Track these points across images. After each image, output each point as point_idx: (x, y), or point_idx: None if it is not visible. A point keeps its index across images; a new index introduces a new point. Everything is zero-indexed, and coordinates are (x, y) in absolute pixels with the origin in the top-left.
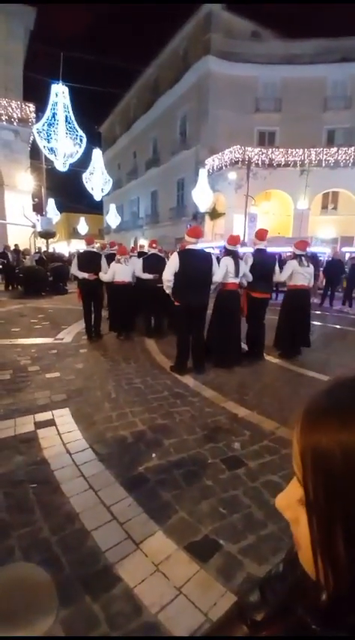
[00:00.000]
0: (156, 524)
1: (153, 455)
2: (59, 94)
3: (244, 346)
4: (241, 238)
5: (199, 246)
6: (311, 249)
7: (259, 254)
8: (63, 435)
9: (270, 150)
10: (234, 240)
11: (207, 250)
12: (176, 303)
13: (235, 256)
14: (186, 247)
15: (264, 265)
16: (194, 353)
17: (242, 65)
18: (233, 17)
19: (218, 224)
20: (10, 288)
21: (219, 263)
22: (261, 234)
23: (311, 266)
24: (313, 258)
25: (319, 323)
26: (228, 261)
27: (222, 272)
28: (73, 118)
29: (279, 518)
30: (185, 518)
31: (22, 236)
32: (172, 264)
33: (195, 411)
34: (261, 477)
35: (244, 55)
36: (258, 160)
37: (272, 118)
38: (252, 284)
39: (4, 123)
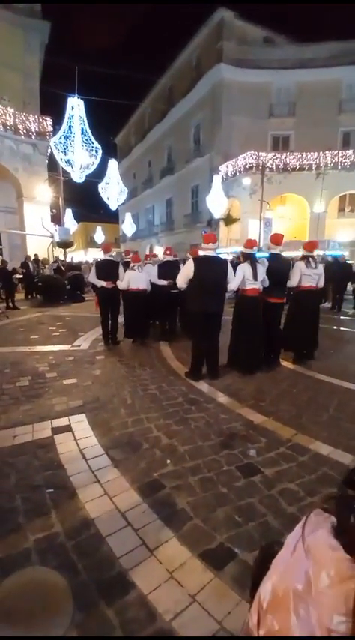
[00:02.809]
0: (171, 530)
1: (168, 461)
2: (75, 107)
3: None
4: (257, 242)
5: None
6: (329, 252)
7: (274, 259)
8: (79, 441)
9: (285, 154)
10: (251, 243)
11: (222, 257)
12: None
13: (253, 260)
14: (201, 253)
15: (279, 270)
16: (208, 359)
17: (255, 71)
18: (245, 24)
19: (233, 230)
20: (30, 296)
21: (234, 270)
22: (276, 239)
23: (320, 267)
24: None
25: (335, 327)
26: (245, 267)
27: (239, 279)
28: (88, 130)
29: None
30: (200, 526)
31: (41, 246)
32: (186, 271)
33: (210, 417)
34: (278, 485)
35: (257, 62)
36: (272, 164)
37: (286, 123)
38: (268, 289)
39: (23, 137)
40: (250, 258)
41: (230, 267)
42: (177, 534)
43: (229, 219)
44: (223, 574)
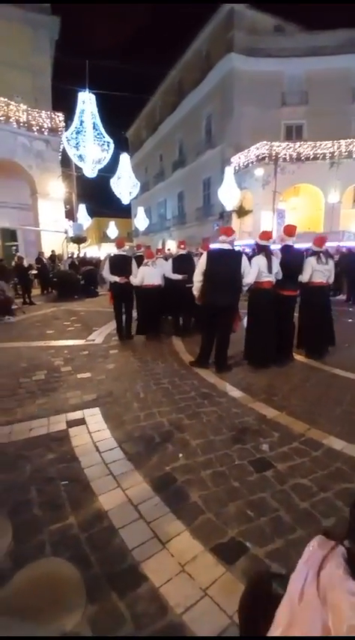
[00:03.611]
0: (183, 524)
1: (180, 455)
2: (86, 101)
3: None
4: (272, 234)
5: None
6: (343, 243)
7: (287, 250)
8: (93, 434)
9: (298, 144)
10: (265, 235)
11: (237, 249)
12: (198, 302)
13: (267, 253)
14: (211, 246)
15: (292, 262)
16: (217, 352)
17: (266, 60)
18: (255, 13)
19: (245, 222)
20: (46, 292)
21: (249, 262)
22: (290, 230)
23: (331, 262)
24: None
25: (350, 320)
26: (260, 260)
27: (255, 272)
28: (99, 124)
29: (309, 523)
30: (211, 520)
31: (55, 242)
32: (201, 265)
33: (222, 411)
34: (290, 480)
35: (268, 50)
36: (285, 154)
37: (298, 112)
38: (281, 281)
39: (36, 133)
40: (265, 250)
41: (245, 261)
42: (189, 528)
43: (241, 212)
44: (234, 569)
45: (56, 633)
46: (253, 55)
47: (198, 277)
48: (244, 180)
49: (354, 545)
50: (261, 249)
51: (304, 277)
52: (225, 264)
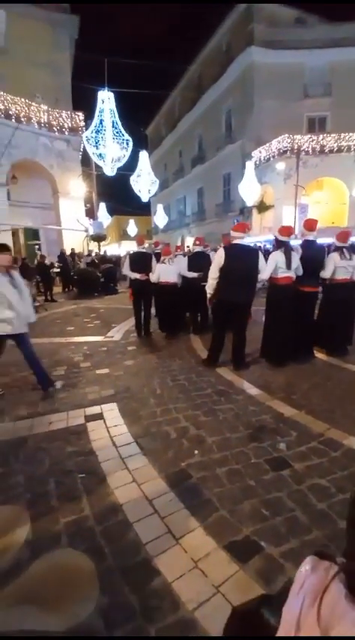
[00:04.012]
0: (197, 520)
1: (196, 452)
2: (105, 100)
3: None
4: (292, 229)
5: (247, 240)
6: None
7: (308, 246)
8: (110, 429)
9: (321, 136)
10: (286, 230)
11: (253, 245)
12: (209, 303)
13: (287, 248)
14: (233, 242)
15: (312, 258)
16: (235, 350)
17: (287, 52)
18: (275, 6)
19: (266, 217)
20: (67, 289)
21: (266, 258)
22: (310, 225)
23: None
24: None
25: None
26: (277, 256)
27: (271, 268)
28: (119, 122)
29: (325, 524)
30: (226, 517)
31: (76, 240)
32: (218, 260)
33: (238, 409)
34: (308, 480)
35: (289, 43)
36: (307, 147)
37: (321, 104)
38: (301, 278)
39: (57, 133)
40: (284, 246)
41: (261, 257)
42: (203, 524)
43: (262, 207)
44: (248, 567)
45: (69, 623)
46: (273, 48)
47: (214, 274)
48: (265, 174)
49: (352, 564)
50: (280, 245)
51: (326, 273)
52: (243, 261)
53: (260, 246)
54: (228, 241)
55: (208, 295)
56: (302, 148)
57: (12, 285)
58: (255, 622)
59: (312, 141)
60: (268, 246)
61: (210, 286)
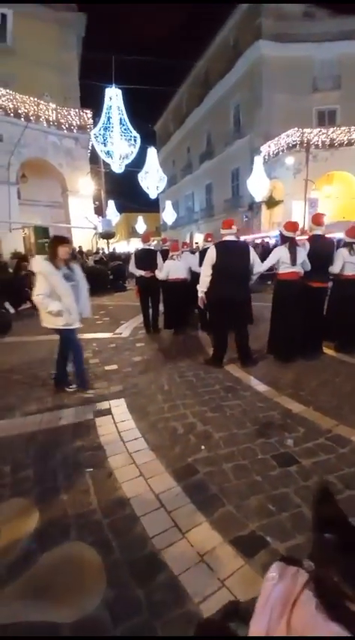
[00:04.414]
0: (203, 515)
1: (203, 447)
2: (113, 97)
3: None
4: (300, 225)
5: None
6: None
7: (316, 240)
8: (118, 424)
9: (331, 129)
10: (291, 226)
11: (243, 241)
12: (200, 303)
13: (292, 244)
14: (223, 239)
15: (321, 253)
16: (240, 347)
17: (296, 45)
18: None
19: (275, 213)
20: None
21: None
22: (317, 219)
23: None
24: None
25: None
26: (281, 251)
27: (270, 262)
28: (126, 119)
29: None
30: (232, 512)
31: (85, 238)
32: (209, 258)
33: (246, 405)
34: (315, 477)
35: (297, 36)
36: (317, 141)
37: (331, 97)
38: (309, 273)
39: (65, 132)
40: (289, 241)
41: (253, 252)
42: (209, 519)
43: (271, 202)
44: (253, 562)
45: (77, 615)
46: (282, 41)
47: (206, 271)
48: (274, 169)
49: (320, 570)
50: (285, 240)
51: (335, 269)
52: (235, 257)
53: (261, 242)
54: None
55: (200, 294)
56: (311, 142)
57: (66, 279)
58: (221, 634)
59: (322, 134)
60: (273, 241)
61: (203, 283)
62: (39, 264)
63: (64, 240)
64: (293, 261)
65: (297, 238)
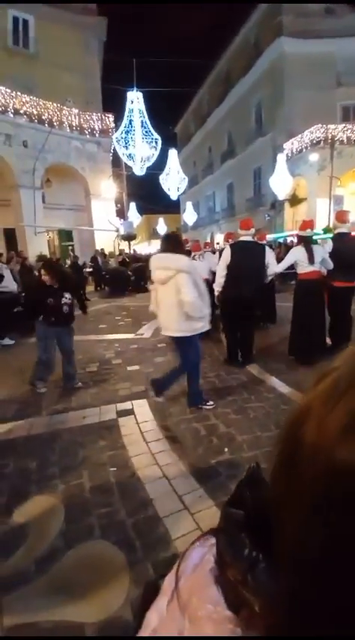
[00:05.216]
0: None
1: (226, 449)
2: (134, 100)
3: (328, 340)
4: (315, 224)
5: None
6: None
7: (340, 238)
8: (141, 425)
9: None
10: (306, 225)
11: (261, 243)
12: (216, 301)
13: (307, 243)
14: (239, 239)
15: (344, 251)
16: (241, 347)
17: (318, 41)
18: None
19: (299, 211)
20: (99, 288)
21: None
22: (341, 216)
23: None
24: None
25: None
26: (297, 251)
27: (287, 263)
28: (148, 122)
29: None
30: None
31: (107, 240)
32: (225, 257)
33: (270, 407)
34: None
35: (320, 32)
36: (342, 137)
37: None
38: (333, 272)
39: (88, 136)
40: (305, 241)
41: (269, 252)
42: None
43: (295, 200)
44: None
45: (103, 614)
46: (304, 37)
47: (221, 272)
48: (297, 166)
49: (222, 551)
50: (301, 240)
51: None
52: (248, 257)
53: (281, 242)
54: (263, 237)
55: (216, 293)
56: (336, 138)
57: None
58: (155, 590)
59: (347, 130)
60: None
61: (218, 283)
62: (189, 263)
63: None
64: (311, 260)
65: (319, 237)
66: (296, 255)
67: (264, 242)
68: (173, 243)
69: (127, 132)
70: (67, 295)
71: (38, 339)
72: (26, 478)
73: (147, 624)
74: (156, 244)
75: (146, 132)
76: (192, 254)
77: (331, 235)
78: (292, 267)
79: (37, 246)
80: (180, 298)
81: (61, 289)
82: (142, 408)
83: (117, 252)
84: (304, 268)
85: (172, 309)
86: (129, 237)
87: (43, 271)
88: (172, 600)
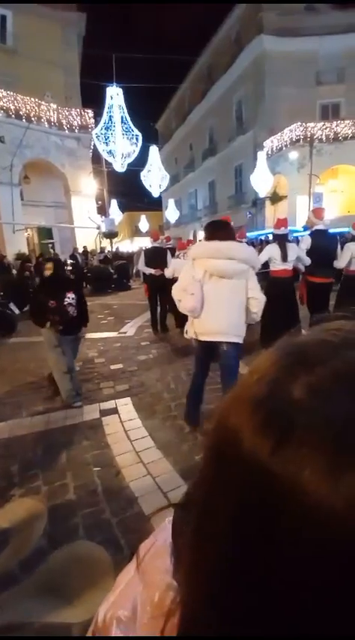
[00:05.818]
0: None
1: None
2: (114, 96)
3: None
4: (288, 222)
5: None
6: None
7: (318, 235)
8: (125, 423)
9: (335, 123)
10: (280, 223)
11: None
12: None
13: (282, 241)
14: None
15: (323, 248)
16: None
17: (299, 39)
18: None
19: (280, 208)
20: None
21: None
22: (318, 213)
23: None
24: None
25: None
26: (271, 249)
27: (261, 260)
28: (128, 118)
29: None
30: None
31: (88, 238)
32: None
33: None
34: None
35: (300, 30)
36: (321, 135)
37: (335, 90)
38: (311, 268)
39: (67, 132)
40: (279, 239)
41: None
42: None
43: (276, 198)
44: None
45: (89, 614)
46: (284, 35)
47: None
48: (278, 164)
49: (182, 506)
50: (275, 238)
51: (340, 264)
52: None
53: (262, 239)
54: (243, 235)
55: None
56: (315, 136)
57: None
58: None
59: (325, 128)
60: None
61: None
62: (256, 256)
63: None
64: (284, 258)
65: (299, 234)
66: (270, 252)
67: (244, 240)
68: (232, 231)
69: (107, 128)
70: (70, 295)
71: (51, 349)
72: (8, 481)
73: (117, 585)
74: (139, 242)
75: (126, 128)
76: (177, 252)
77: (308, 232)
78: (266, 265)
79: (15, 244)
80: (249, 297)
81: (62, 288)
82: (126, 406)
83: (98, 250)
84: (276, 266)
85: (235, 309)
86: (110, 235)
87: (47, 265)
88: (139, 565)
